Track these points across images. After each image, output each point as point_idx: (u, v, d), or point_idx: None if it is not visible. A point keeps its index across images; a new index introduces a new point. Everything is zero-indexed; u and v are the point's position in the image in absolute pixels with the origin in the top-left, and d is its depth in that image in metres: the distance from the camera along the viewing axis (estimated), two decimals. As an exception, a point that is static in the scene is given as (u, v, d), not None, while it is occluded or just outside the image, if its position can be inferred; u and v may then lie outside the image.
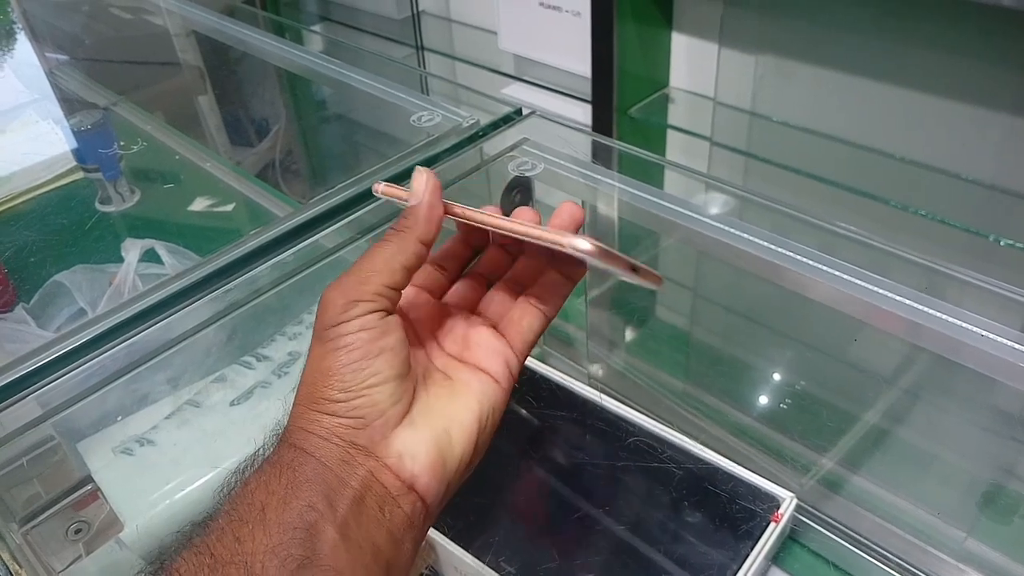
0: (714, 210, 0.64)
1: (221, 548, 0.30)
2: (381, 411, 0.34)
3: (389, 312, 0.35)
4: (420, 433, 0.35)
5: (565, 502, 0.61)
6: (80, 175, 1.07)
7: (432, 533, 0.58)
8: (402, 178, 0.72)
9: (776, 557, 0.60)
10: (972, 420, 0.68)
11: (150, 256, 0.88)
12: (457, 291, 0.42)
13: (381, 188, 0.39)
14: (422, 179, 0.37)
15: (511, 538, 0.59)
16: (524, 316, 0.39)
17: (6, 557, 0.43)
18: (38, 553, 0.47)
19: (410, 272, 0.36)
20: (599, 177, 0.71)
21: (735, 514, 0.59)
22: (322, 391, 0.34)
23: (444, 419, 0.36)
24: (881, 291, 0.54)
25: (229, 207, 1.07)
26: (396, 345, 0.35)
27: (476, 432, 0.36)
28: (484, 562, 0.57)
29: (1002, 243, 0.91)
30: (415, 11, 1.57)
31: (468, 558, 0.57)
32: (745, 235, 0.61)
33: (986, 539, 0.61)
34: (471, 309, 0.41)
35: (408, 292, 0.39)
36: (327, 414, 0.34)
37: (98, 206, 1.05)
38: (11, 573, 0.42)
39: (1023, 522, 0.64)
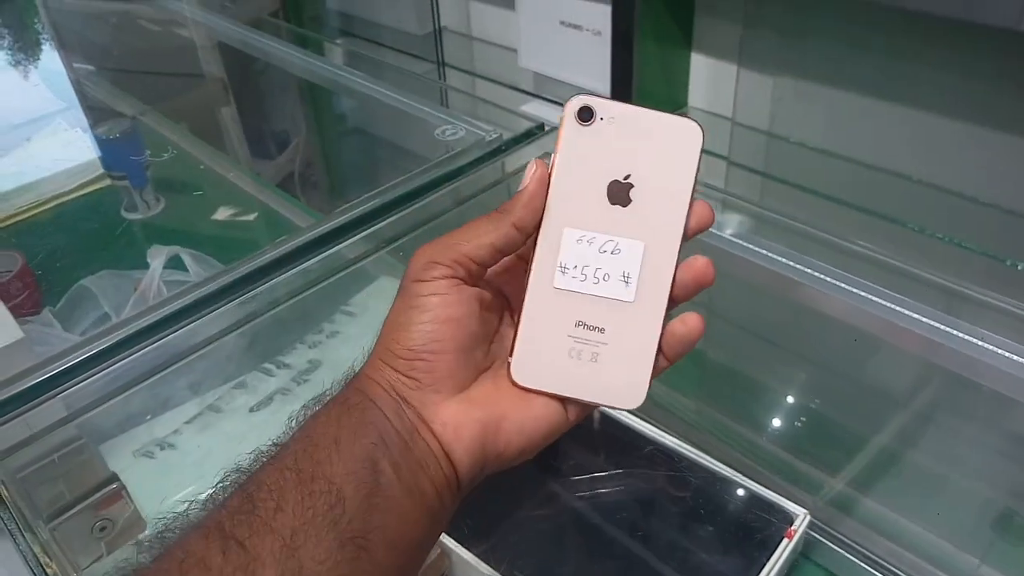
0: (730, 227, 0.64)
1: (305, 464, 0.32)
2: (436, 379, 0.35)
3: (467, 283, 0.36)
4: (472, 413, 0.35)
5: (579, 513, 0.62)
6: (107, 183, 1.09)
7: (446, 540, 0.58)
8: (424, 191, 0.74)
9: (788, 574, 0.60)
10: (987, 443, 0.68)
11: (175, 263, 0.89)
12: None
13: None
14: (532, 168, 0.37)
15: (524, 546, 0.59)
16: None
17: (37, 551, 0.44)
18: (64, 549, 0.48)
19: (498, 251, 0.36)
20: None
21: (749, 529, 0.59)
22: (391, 346, 0.35)
23: (501, 411, 0.36)
24: (898, 308, 0.54)
25: (252, 217, 1.09)
26: (464, 318, 0.35)
27: (527, 439, 0.36)
28: (498, 570, 0.57)
29: (1020, 267, 0.91)
30: (437, 27, 1.59)
31: (482, 566, 0.57)
32: (762, 251, 0.61)
33: (1001, 565, 0.61)
34: None
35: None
36: (390, 367, 0.35)
37: (124, 213, 1.07)
38: (41, 566, 0.43)
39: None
